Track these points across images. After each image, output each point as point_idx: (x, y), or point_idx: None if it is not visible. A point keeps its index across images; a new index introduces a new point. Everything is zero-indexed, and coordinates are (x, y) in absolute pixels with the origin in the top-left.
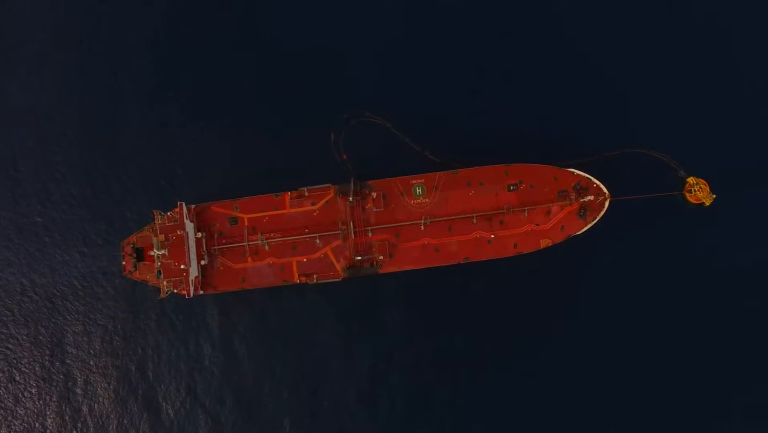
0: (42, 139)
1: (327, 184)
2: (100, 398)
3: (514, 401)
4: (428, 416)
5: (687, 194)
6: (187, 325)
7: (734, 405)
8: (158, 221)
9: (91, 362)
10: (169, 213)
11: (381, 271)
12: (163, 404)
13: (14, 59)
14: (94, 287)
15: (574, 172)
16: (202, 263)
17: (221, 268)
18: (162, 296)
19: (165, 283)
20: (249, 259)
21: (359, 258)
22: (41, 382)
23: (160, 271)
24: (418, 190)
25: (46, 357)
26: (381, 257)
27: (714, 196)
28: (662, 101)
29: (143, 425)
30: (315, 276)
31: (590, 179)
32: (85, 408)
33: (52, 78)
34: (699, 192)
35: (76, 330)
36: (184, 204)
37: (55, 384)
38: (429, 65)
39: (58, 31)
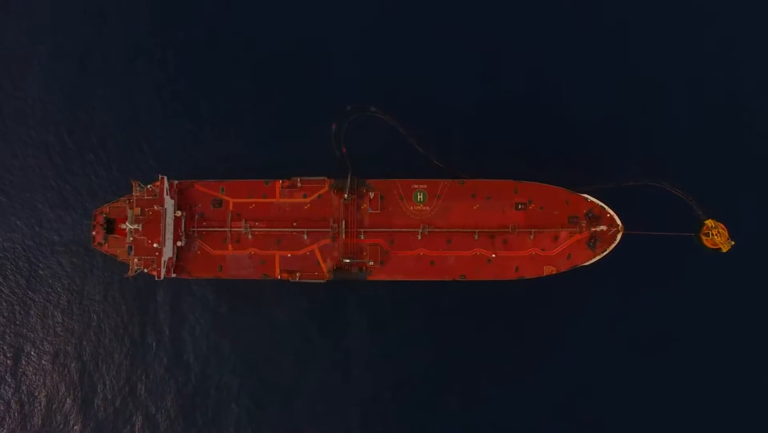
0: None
1: (322, 177)
2: (31, 382)
3: None
4: None
5: (703, 237)
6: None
7: None
8: (136, 192)
9: (28, 347)
10: (149, 186)
11: (369, 278)
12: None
13: None
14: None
15: (587, 199)
16: (179, 244)
17: (198, 252)
18: (130, 274)
19: (135, 261)
20: (229, 246)
21: (348, 261)
22: None
23: (131, 247)
24: (420, 196)
25: None
26: (371, 263)
27: (733, 243)
28: (690, 136)
29: (73, 412)
30: (298, 274)
31: (604, 208)
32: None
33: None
34: (717, 237)
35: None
36: (166, 178)
37: None
38: (447, 65)
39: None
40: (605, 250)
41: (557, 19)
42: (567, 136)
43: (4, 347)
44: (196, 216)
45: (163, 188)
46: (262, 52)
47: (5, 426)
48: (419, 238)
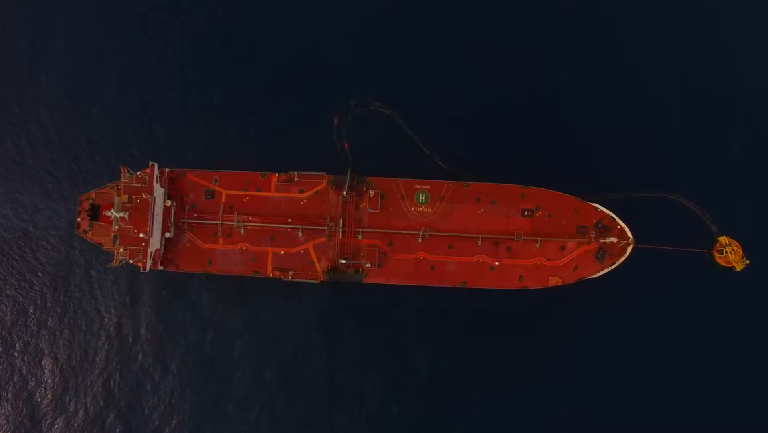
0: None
1: (321, 173)
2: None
3: None
4: None
5: (716, 254)
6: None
7: None
8: (124, 179)
9: None
10: (138, 173)
11: (365, 280)
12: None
13: None
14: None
15: (597, 208)
16: (167, 235)
17: (188, 245)
18: (114, 264)
19: (121, 250)
20: (220, 240)
21: (344, 261)
22: None
23: (116, 236)
24: (422, 197)
25: None
26: (368, 265)
27: (747, 262)
28: (708, 150)
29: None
30: (291, 273)
31: (615, 219)
32: None
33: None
34: (731, 254)
35: None
36: (156, 165)
37: None
38: (457, 62)
39: None
40: (614, 263)
41: (566, 20)
42: (576, 141)
43: None
44: (187, 207)
45: (152, 176)
46: (264, 44)
47: None
48: (420, 241)
